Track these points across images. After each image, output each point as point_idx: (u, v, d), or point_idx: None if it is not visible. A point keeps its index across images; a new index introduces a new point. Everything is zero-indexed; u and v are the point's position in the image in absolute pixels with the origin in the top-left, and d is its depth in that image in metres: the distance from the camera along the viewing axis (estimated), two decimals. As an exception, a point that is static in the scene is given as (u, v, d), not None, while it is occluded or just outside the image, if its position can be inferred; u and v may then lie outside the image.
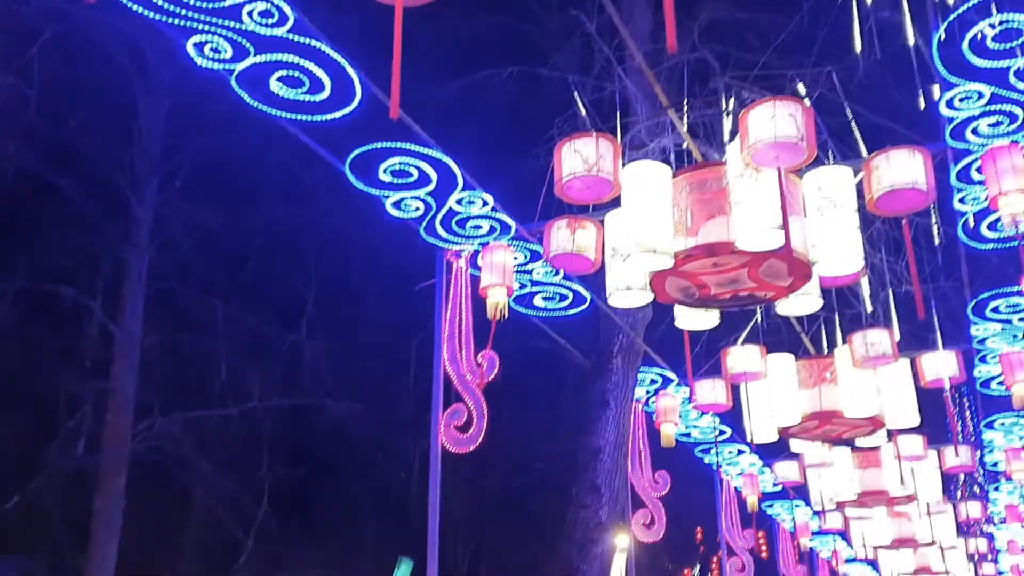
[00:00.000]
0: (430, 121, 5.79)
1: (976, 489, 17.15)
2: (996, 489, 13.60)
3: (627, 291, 5.79)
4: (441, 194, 5.79)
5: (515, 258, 6.39)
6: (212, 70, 4.45)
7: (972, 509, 14.44)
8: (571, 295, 7.02)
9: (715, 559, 27.96)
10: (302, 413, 15.61)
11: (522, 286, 6.86)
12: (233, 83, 4.47)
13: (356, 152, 5.39)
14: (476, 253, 6.43)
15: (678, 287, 5.71)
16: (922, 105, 7.66)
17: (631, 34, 7.17)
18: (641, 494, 9.11)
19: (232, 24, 4.16)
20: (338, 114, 4.66)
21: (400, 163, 5.51)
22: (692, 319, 6.20)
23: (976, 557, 17.98)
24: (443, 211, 5.97)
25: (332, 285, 14.66)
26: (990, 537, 17.17)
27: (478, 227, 6.18)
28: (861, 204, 5.34)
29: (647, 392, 9.29)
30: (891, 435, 9.30)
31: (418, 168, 5.56)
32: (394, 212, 5.94)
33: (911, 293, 9.65)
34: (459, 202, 5.91)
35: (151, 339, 13.18)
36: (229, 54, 4.30)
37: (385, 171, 5.55)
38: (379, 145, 5.35)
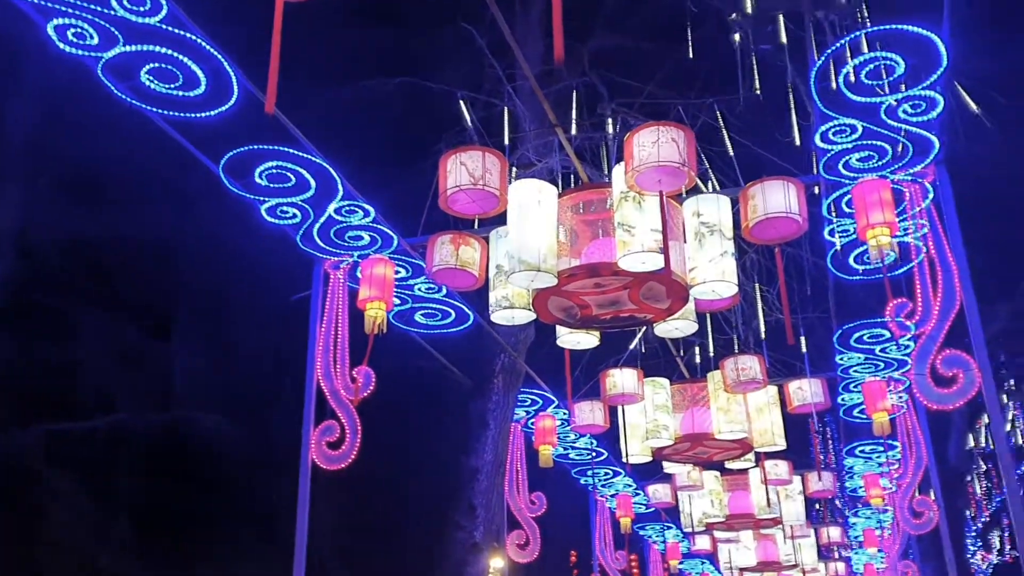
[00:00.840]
0: (313, 128, 5.61)
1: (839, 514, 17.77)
2: (855, 514, 14.15)
3: (510, 309, 5.75)
4: (320, 202, 5.61)
5: (396, 272, 6.26)
6: (83, 67, 4.19)
7: (833, 533, 15.01)
8: (453, 313, 6.92)
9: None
10: (171, 426, 14.96)
11: (402, 301, 6.72)
12: (99, 72, 4.20)
13: (231, 154, 5.16)
14: (355, 265, 6.26)
15: (560, 307, 5.70)
16: (797, 140, 7.94)
17: (524, 56, 7.18)
18: (517, 515, 9.05)
19: (99, 8, 3.91)
20: (213, 112, 4.45)
21: (277, 167, 5.30)
22: (574, 339, 6.21)
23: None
24: (321, 220, 5.79)
25: (206, 294, 14.13)
26: (848, 561, 17.87)
27: (358, 238, 6.02)
28: (737, 233, 5.47)
29: (527, 413, 9.27)
30: (759, 459, 9.54)
31: (296, 173, 5.37)
32: (269, 219, 5.72)
33: (781, 321, 9.99)
34: (339, 211, 5.74)
35: (7, 349, 12.40)
36: (95, 41, 4.04)
37: (261, 175, 5.33)
38: (255, 147, 5.14)
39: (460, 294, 6.77)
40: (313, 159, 5.35)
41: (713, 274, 5.28)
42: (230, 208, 6.30)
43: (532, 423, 9.27)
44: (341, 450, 6.05)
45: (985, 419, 16.73)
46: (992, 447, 17.36)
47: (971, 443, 16.70)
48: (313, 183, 5.46)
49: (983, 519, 17.09)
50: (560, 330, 6.15)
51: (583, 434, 9.68)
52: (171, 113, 4.50)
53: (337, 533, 14.72)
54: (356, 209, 5.78)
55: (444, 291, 6.63)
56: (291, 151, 5.25)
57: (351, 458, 6.02)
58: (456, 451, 8.26)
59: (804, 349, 7.96)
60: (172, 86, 4.31)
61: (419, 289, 6.63)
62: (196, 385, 14.11)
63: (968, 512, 15.82)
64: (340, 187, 5.54)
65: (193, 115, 4.47)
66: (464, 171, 5.02)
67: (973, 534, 15.98)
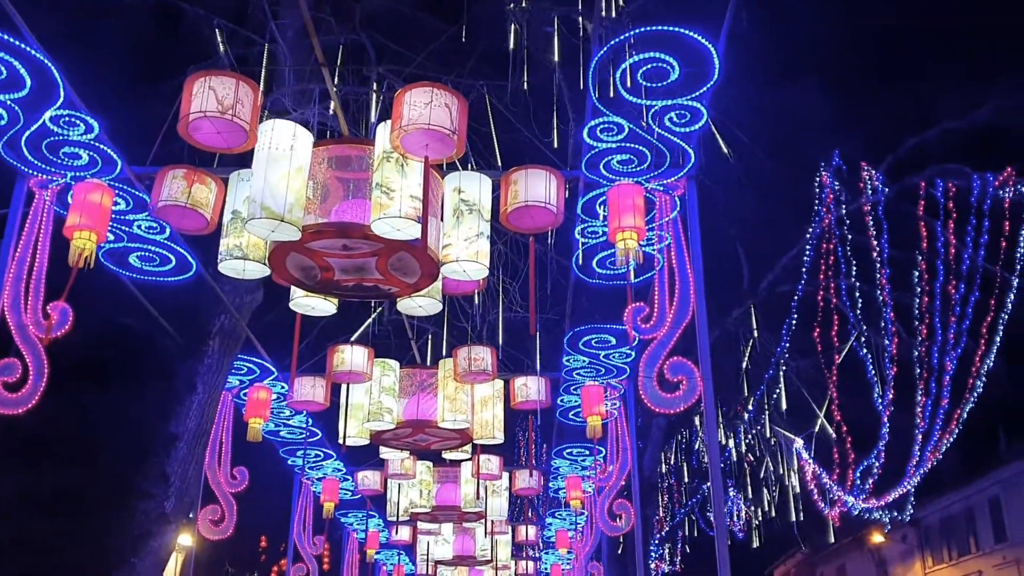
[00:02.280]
0: (47, 22, 4.81)
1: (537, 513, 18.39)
2: (552, 515, 14.68)
3: (242, 260, 5.24)
4: (34, 105, 4.81)
5: (114, 202, 5.51)
6: None
7: (530, 532, 15.50)
8: (174, 259, 6.21)
9: (276, 568, 27.26)
10: None
11: (116, 238, 5.94)
12: None
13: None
14: (67, 188, 5.45)
15: (300, 266, 5.27)
16: (555, 141, 8.03)
17: (293, -1, 6.66)
18: (215, 489, 8.40)
19: None
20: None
21: (-15, 54, 4.47)
22: (308, 304, 5.78)
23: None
24: (33, 127, 4.98)
25: None
26: (538, 560, 18.58)
27: (75, 156, 5.24)
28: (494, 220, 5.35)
29: (240, 382, 8.64)
30: (475, 451, 9.54)
31: (8, 65, 4.56)
32: (-33, 113, 4.82)
33: (516, 318, 10.09)
34: (56, 121, 4.96)
35: None
36: None
37: (-36, 61, 4.47)
38: (-41, 23, 4.29)
39: (184, 239, 6.12)
40: (32, 52, 4.56)
41: (467, 253, 5.10)
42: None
43: (245, 394, 8.65)
44: (21, 393, 5.22)
45: (678, 437, 18.06)
46: (681, 463, 18.76)
47: (663, 458, 18.00)
48: (29, 81, 4.67)
49: (664, 531, 18.46)
50: (295, 292, 5.71)
51: (299, 411, 9.20)
52: None
53: (13, 505, 13.04)
54: (77, 122, 5.02)
55: (168, 232, 5.95)
56: (6, 36, 4.44)
57: (32, 403, 5.21)
58: (156, 415, 7.51)
59: (538, 347, 8.03)
60: None
61: (139, 227, 5.89)
62: None
63: (656, 520, 17.03)
64: (61, 92, 4.78)
65: None
66: (212, 97, 4.48)
67: (656, 542, 17.21)
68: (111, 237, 5.90)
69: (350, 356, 7.60)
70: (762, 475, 17.63)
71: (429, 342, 9.88)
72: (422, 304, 5.83)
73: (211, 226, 5.11)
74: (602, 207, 5.69)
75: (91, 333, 11.29)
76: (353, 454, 11.75)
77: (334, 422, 8.70)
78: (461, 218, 5.20)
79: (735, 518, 20.70)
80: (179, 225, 5.21)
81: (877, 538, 35.06)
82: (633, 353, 8.13)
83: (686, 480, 20.25)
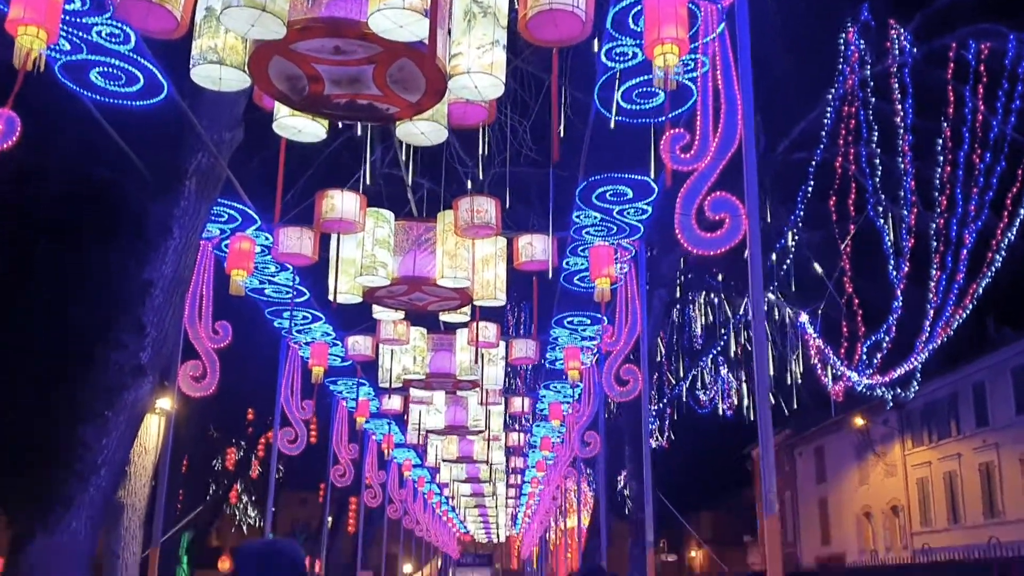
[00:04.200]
0: None
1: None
2: (547, 387, 14.30)
3: (217, 65, 4.49)
4: None
5: None
6: None
7: (522, 403, 15.20)
8: (142, 77, 5.42)
9: (263, 440, 27.17)
10: None
11: (73, 47, 5.13)
12: None
13: None
14: (9, -20, 4.61)
15: (285, 74, 4.52)
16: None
17: None
18: (195, 344, 7.82)
19: None
20: None
21: None
22: (294, 125, 5.04)
23: (512, 449, 19.29)
24: None
25: None
26: (529, 431, 18.40)
27: (14, -62, 4.39)
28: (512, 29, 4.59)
29: (221, 231, 7.95)
30: (474, 315, 8.98)
31: None
32: None
33: (523, 174, 9.38)
34: None
35: None
36: None
37: None
38: None
39: (155, 56, 5.32)
40: None
41: (480, 64, 4.37)
42: None
43: (227, 245, 7.98)
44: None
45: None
46: (675, 342, 18.41)
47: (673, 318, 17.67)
48: None
49: (655, 408, 18.35)
50: (279, 111, 4.97)
51: (285, 266, 8.56)
52: None
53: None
54: None
55: (132, 43, 5.14)
56: None
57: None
58: (129, 261, 6.84)
59: (551, 190, 7.31)
60: None
61: (99, 34, 5.08)
62: None
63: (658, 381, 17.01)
64: None
65: None
66: None
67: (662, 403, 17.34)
68: (67, 46, 5.10)
69: (340, 202, 6.90)
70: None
71: (425, 199, 9.18)
72: (424, 130, 5.11)
73: (182, 27, 4.33)
74: (636, 21, 4.91)
75: (62, 188, 10.55)
76: (343, 318, 11.20)
77: (323, 281, 8.08)
78: (473, 22, 4.43)
79: (725, 396, 20.59)
80: (143, 26, 4.41)
81: (859, 421, 35.50)
82: (649, 209, 7.48)
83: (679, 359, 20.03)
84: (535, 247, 7.83)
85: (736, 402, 20.61)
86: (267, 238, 8.08)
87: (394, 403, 13.92)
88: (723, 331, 16.74)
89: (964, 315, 11.81)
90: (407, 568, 32.41)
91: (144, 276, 6.59)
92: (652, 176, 6.65)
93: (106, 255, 8.38)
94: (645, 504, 8.31)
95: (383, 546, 23.62)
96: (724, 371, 20.36)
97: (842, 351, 12.70)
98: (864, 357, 12.63)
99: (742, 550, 51.41)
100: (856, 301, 12.33)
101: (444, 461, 18.13)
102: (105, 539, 9.69)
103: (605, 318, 9.93)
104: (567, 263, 8.63)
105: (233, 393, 13.62)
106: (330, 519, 22.29)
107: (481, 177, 7.78)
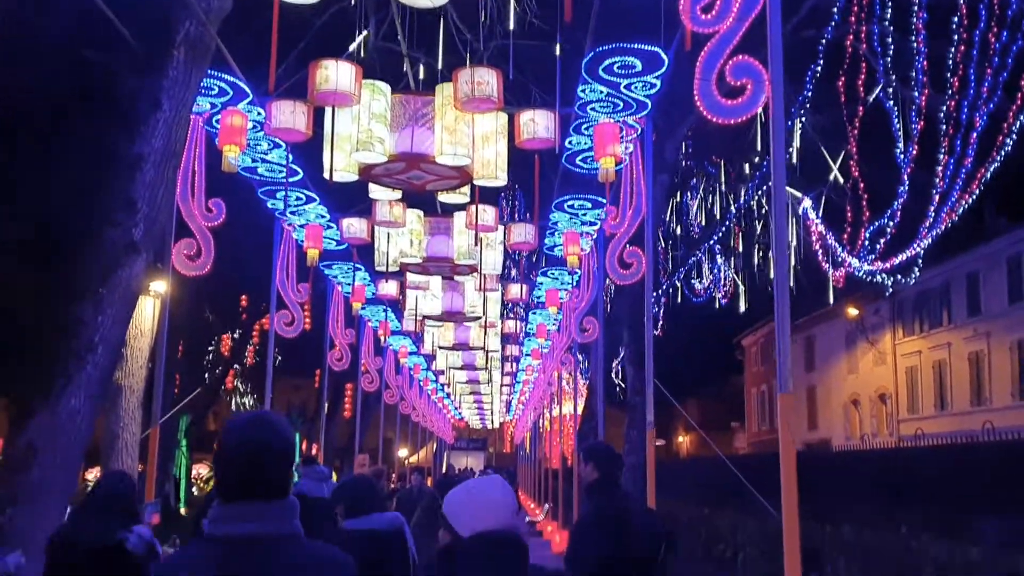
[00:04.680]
0: None
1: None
2: (544, 274, 14.18)
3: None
4: None
5: None
6: None
7: (519, 290, 15.12)
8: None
9: (258, 326, 27.17)
10: None
11: None
12: None
13: None
14: None
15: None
16: None
17: None
18: (189, 222, 7.62)
19: None
20: None
21: None
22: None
23: (509, 336, 19.33)
24: None
25: None
26: (524, 318, 18.39)
27: None
28: None
29: (212, 106, 7.64)
30: (474, 196, 8.76)
31: None
32: None
33: (525, 47, 8.99)
34: None
35: None
36: None
37: None
38: None
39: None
40: None
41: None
42: None
43: (218, 120, 7.68)
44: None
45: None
46: (673, 229, 18.24)
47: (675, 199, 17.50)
48: None
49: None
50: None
51: (278, 143, 8.28)
52: None
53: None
54: None
55: None
56: None
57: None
58: (118, 136, 6.56)
59: (558, 61, 6.97)
60: None
61: None
62: None
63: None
64: None
65: None
66: None
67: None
68: None
69: (335, 73, 6.59)
70: (758, 238, 17.17)
71: (422, 74, 8.84)
72: (429, -11, 4.80)
73: None
74: None
75: (54, 69, 10.13)
76: (338, 200, 10.96)
77: (317, 159, 7.81)
78: None
79: (720, 286, 20.56)
80: None
81: (852, 310, 35.75)
82: (659, 84, 7.17)
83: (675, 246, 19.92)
84: (538, 123, 7.54)
85: (731, 290, 20.61)
86: (259, 113, 7.78)
87: (390, 288, 13.82)
88: (727, 216, 16.51)
89: (970, 200, 11.61)
90: (403, 452, 33.06)
91: (134, 150, 6.32)
92: (663, 45, 6.34)
93: (96, 132, 8.08)
94: (645, 387, 8.28)
95: (380, 431, 23.96)
96: (720, 260, 20.29)
97: (844, 236, 12.55)
98: (867, 243, 12.48)
99: (729, 435, 52.80)
100: (862, 185, 12.10)
101: (440, 348, 18.20)
102: (104, 420, 9.71)
103: (604, 201, 9.72)
104: (570, 142, 8.35)
105: (228, 278, 13.49)
106: (327, 404, 22.50)
107: (482, 49, 7.42)
